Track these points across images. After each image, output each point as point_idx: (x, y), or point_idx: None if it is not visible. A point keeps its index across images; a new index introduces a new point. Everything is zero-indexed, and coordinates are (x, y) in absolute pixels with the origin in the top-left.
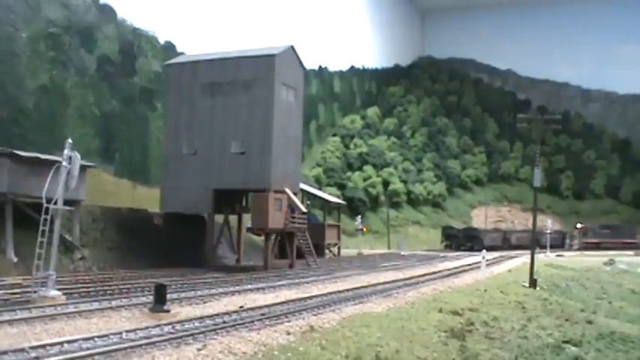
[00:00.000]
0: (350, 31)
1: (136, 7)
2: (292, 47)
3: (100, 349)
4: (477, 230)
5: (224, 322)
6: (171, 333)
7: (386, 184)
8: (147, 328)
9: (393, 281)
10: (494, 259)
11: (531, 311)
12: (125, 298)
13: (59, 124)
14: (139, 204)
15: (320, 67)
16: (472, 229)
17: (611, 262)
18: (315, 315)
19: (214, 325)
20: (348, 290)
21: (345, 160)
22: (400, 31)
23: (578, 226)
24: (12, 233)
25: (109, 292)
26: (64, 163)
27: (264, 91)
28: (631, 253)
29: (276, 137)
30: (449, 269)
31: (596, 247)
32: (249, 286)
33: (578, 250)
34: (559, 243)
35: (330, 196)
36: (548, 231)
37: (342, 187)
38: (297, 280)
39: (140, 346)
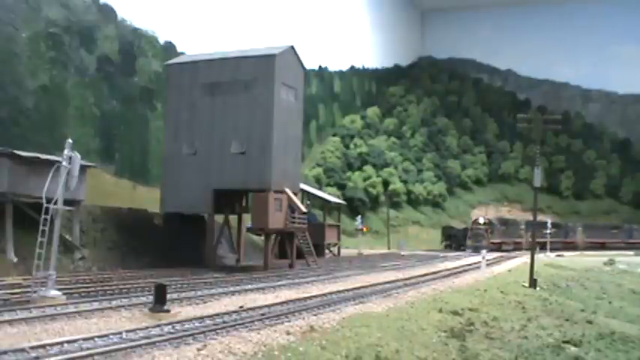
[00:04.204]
0: (350, 31)
1: (136, 7)
2: (292, 47)
3: (100, 349)
4: None
5: (224, 322)
6: (171, 333)
7: (386, 184)
8: (147, 328)
9: (393, 281)
10: (494, 259)
11: (531, 311)
12: (125, 298)
13: (59, 124)
14: (139, 204)
15: (320, 67)
16: None
17: (611, 262)
18: (315, 315)
19: (214, 325)
20: (348, 290)
21: (345, 160)
22: (400, 31)
23: (481, 220)
24: (12, 233)
25: (109, 292)
26: (64, 163)
27: (264, 91)
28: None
29: (276, 137)
30: (449, 269)
31: (498, 248)
32: (249, 286)
33: (491, 252)
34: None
35: (330, 196)
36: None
37: (342, 187)
38: (297, 280)
39: (140, 346)
